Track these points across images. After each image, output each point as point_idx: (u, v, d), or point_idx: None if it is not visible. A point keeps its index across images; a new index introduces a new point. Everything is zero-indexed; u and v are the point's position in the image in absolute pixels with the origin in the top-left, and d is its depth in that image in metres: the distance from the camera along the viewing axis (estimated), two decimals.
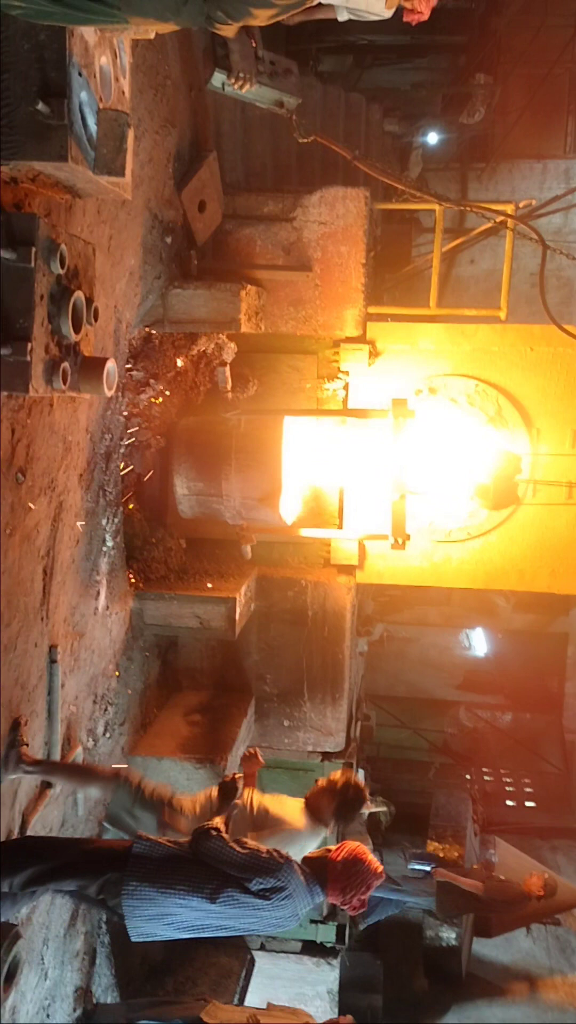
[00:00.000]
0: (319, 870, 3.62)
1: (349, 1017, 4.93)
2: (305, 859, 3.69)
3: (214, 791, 4.50)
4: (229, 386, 6.34)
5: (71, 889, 3.55)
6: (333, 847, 3.71)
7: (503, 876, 7.88)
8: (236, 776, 4.20)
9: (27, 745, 4.14)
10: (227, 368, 6.29)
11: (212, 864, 3.49)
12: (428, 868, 7.79)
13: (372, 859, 3.65)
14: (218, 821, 3.71)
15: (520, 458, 6.33)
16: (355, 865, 3.60)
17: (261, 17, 2.92)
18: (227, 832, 3.66)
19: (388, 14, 4.59)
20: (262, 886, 3.45)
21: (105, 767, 4.93)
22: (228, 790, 4.13)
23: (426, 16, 4.54)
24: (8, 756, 4.02)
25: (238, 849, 3.52)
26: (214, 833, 3.58)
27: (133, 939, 3.54)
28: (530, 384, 6.38)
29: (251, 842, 3.61)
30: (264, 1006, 5.36)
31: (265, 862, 3.50)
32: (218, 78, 3.61)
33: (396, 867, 8.90)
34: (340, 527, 6.61)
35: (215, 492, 6.20)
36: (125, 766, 5.02)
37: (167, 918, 3.47)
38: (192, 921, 3.49)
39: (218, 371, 6.29)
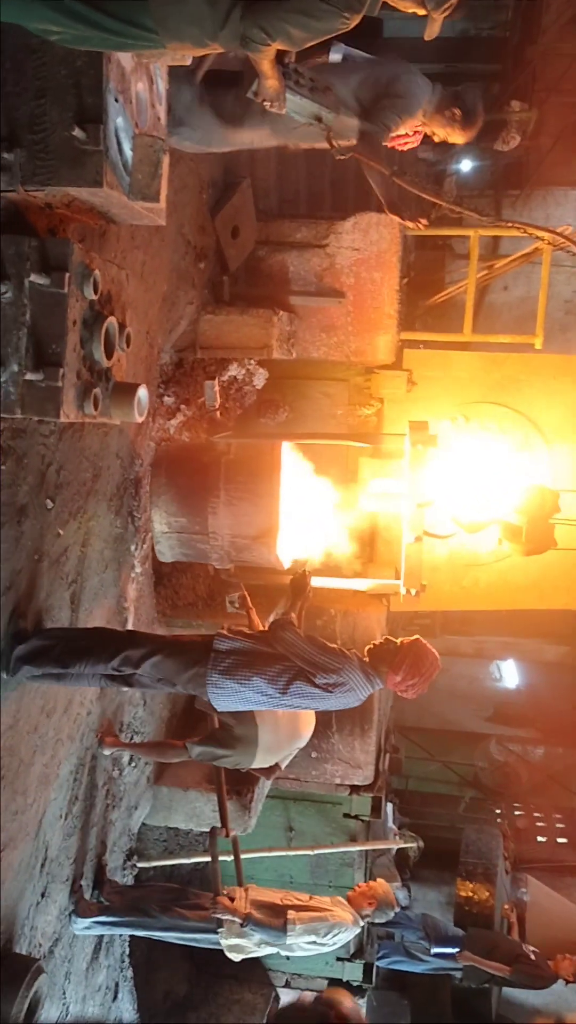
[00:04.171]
0: (384, 656, 3.98)
1: None
2: (370, 650, 4.04)
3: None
4: (217, 403, 5.61)
5: (159, 676, 3.92)
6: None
7: (534, 952, 7.63)
8: (307, 571, 4.56)
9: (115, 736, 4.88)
10: (215, 382, 5.59)
11: (285, 653, 3.94)
12: (453, 951, 7.54)
13: (434, 652, 4.02)
14: (293, 616, 4.18)
15: (557, 494, 5.66)
16: (420, 657, 3.97)
17: (297, 39, 2.89)
18: (300, 626, 4.14)
19: None
20: (326, 681, 3.90)
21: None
22: (299, 584, 4.45)
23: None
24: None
25: (308, 646, 3.97)
26: (290, 625, 4.05)
27: (219, 711, 4.09)
28: (554, 412, 6.34)
29: (319, 639, 4.04)
30: None
31: (329, 659, 3.94)
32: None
33: (425, 902, 8.73)
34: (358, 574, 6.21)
35: (200, 529, 5.35)
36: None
37: (246, 703, 3.97)
38: (267, 703, 3.97)
39: (205, 385, 5.56)
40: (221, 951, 4.94)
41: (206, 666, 3.88)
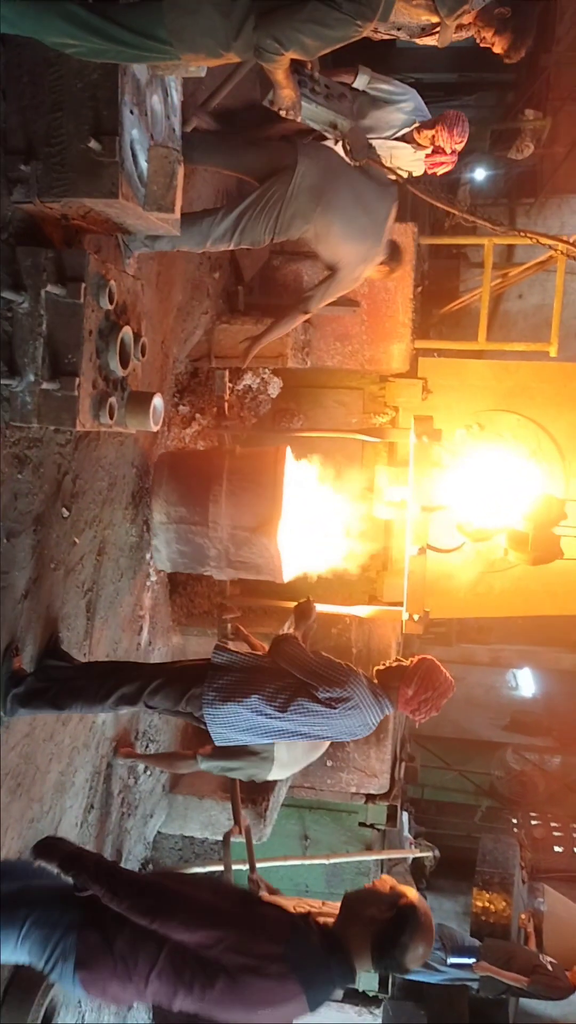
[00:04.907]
0: (393, 678, 3.75)
1: None
2: (378, 671, 3.83)
3: None
4: (227, 393, 5.36)
5: (164, 706, 3.76)
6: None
7: (551, 963, 7.55)
8: (311, 599, 4.41)
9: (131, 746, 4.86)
10: (226, 372, 5.38)
11: (287, 669, 3.73)
12: (470, 962, 7.47)
13: (447, 673, 3.78)
14: (297, 634, 4.03)
15: (563, 503, 5.47)
16: (432, 672, 3.74)
17: (311, 49, 2.91)
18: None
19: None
20: (328, 695, 3.64)
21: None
22: (304, 610, 4.33)
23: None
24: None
25: (311, 657, 3.77)
26: (292, 639, 3.90)
27: (217, 744, 3.78)
28: (564, 419, 6.32)
29: (324, 654, 3.83)
30: None
31: (333, 672, 3.71)
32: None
33: (442, 912, 8.67)
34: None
35: (199, 519, 5.08)
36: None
37: (246, 728, 3.71)
38: (269, 727, 3.71)
39: (215, 373, 5.40)
40: None
41: (201, 686, 3.71)
